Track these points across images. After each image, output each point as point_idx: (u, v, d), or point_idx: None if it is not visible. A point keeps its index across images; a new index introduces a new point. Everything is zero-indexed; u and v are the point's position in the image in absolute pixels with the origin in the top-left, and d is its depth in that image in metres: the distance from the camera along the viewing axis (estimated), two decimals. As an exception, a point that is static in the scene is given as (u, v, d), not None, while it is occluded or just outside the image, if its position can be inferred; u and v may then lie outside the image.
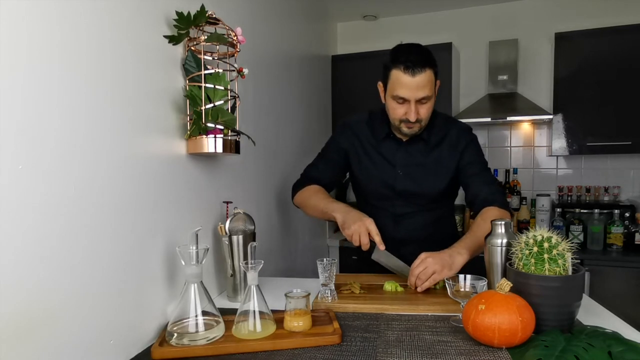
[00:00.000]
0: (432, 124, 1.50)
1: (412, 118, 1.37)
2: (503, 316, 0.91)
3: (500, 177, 3.01)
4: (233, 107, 1.32)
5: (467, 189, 1.51)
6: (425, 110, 1.39)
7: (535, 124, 2.98)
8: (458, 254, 1.28)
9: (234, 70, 1.33)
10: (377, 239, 1.32)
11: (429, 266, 1.25)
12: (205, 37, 1.20)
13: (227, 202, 1.45)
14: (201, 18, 1.16)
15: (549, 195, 2.82)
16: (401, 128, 1.44)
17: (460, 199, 1.60)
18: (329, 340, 1.00)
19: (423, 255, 1.28)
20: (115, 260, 0.95)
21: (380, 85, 1.46)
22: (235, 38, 1.27)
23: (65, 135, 0.83)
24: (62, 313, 0.81)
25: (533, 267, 0.99)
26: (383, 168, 1.53)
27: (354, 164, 1.58)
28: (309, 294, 1.08)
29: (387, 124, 1.51)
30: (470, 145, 1.51)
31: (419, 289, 1.28)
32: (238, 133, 1.30)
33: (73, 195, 0.84)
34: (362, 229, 1.33)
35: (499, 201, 1.43)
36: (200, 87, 1.19)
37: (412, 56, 1.33)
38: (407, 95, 1.35)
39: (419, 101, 1.36)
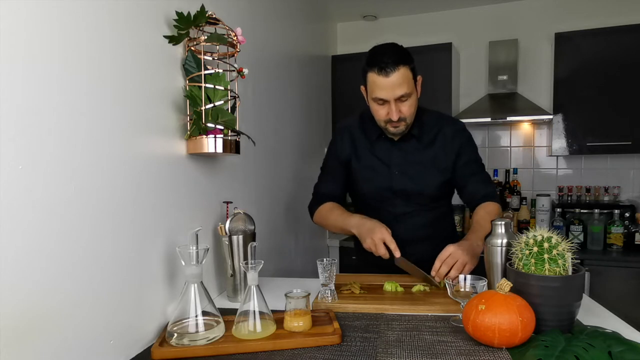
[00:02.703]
0: (422, 122, 1.51)
1: (394, 117, 1.38)
2: (503, 316, 0.91)
3: (500, 177, 3.01)
4: (233, 107, 1.32)
5: (464, 188, 1.52)
6: (406, 108, 1.39)
7: (535, 124, 2.98)
8: (477, 246, 1.30)
9: (234, 71, 1.33)
10: (392, 246, 1.32)
11: (460, 257, 1.24)
12: (205, 37, 1.20)
13: (227, 202, 1.45)
14: (201, 18, 1.16)
15: (549, 195, 2.82)
16: (387, 129, 1.45)
17: (458, 198, 1.60)
18: (329, 340, 1.00)
19: (451, 247, 1.25)
20: (115, 260, 0.95)
21: (362, 89, 1.47)
22: (235, 38, 1.27)
23: (65, 135, 0.83)
24: (62, 313, 0.81)
25: (533, 267, 0.99)
26: (379, 169, 1.54)
27: (351, 167, 1.58)
28: (309, 294, 1.08)
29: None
30: (466, 144, 1.52)
31: (451, 279, 1.27)
32: (238, 133, 1.30)
33: (73, 195, 0.84)
34: (377, 239, 1.33)
35: (496, 198, 1.50)
36: (200, 87, 1.19)
37: (384, 57, 1.34)
38: (385, 95, 1.36)
39: (399, 99, 1.37)
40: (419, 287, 1.32)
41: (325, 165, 1.66)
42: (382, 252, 1.32)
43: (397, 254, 1.31)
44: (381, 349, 0.97)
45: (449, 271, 1.23)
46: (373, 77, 1.36)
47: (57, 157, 0.81)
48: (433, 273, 1.27)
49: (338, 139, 1.62)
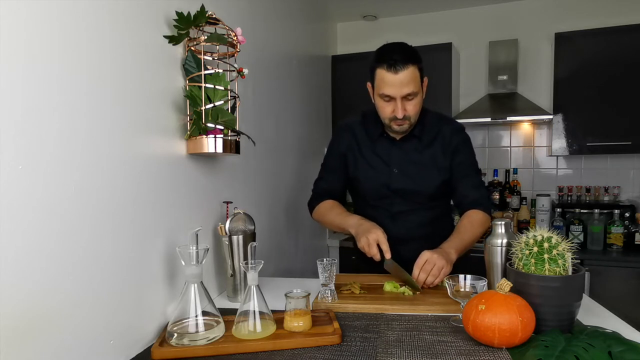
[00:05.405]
0: (424, 122, 1.52)
1: (399, 115, 1.39)
2: (503, 316, 0.91)
3: (500, 177, 3.01)
4: (233, 107, 1.32)
5: (455, 190, 1.54)
6: (412, 107, 1.40)
7: (535, 124, 2.98)
8: (450, 253, 1.33)
9: (234, 71, 1.33)
10: (384, 247, 1.34)
11: (436, 262, 1.27)
12: (205, 37, 1.20)
13: (227, 202, 1.45)
14: (201, 18, 1.16)
15: (549, 195, 2.82)
16: (391, 126, 1.46)
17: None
18: (329, 340, 1.00)
19: (426, 253, 1.30)
20: (115, 260, 0.95)
21: (369, 85, 1.47)
22: (235, 38, 1.27)
23: (65, 135, 0.83)
24: (62, 313, 0.81)
25: (533, 267, 0.99)
26: (379, 167, 1.54)
27: (351, 165, 1.59)
28: (309, 294, 1.08)
29: (381, 123, 1.52)
30: (462, 145, 1.53)
31: (430, 285, 1.29)
32: (238, 133, 1.30)
33: (73, 195, 0.84)
34: (371, 240, 1.34)
35: (485, 205, 1.50)
36: (200, 87, 1.19)
37: (395, 54, 1.35)
38: (392, 92, 1.37)
39: (405, 98, 1.38)
40: (404, 289, 1.31)
41: (326, 162, 1.67)
42: (374, 252, 1.34)
43: (388, 255, 1.34)
44: (381, 349, 0.97)
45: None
46: (382, 74, 1.36)
47: (57, 157, 0.81)
48: (419, 280, 1.30)
49: (340, 135, 1.62)
